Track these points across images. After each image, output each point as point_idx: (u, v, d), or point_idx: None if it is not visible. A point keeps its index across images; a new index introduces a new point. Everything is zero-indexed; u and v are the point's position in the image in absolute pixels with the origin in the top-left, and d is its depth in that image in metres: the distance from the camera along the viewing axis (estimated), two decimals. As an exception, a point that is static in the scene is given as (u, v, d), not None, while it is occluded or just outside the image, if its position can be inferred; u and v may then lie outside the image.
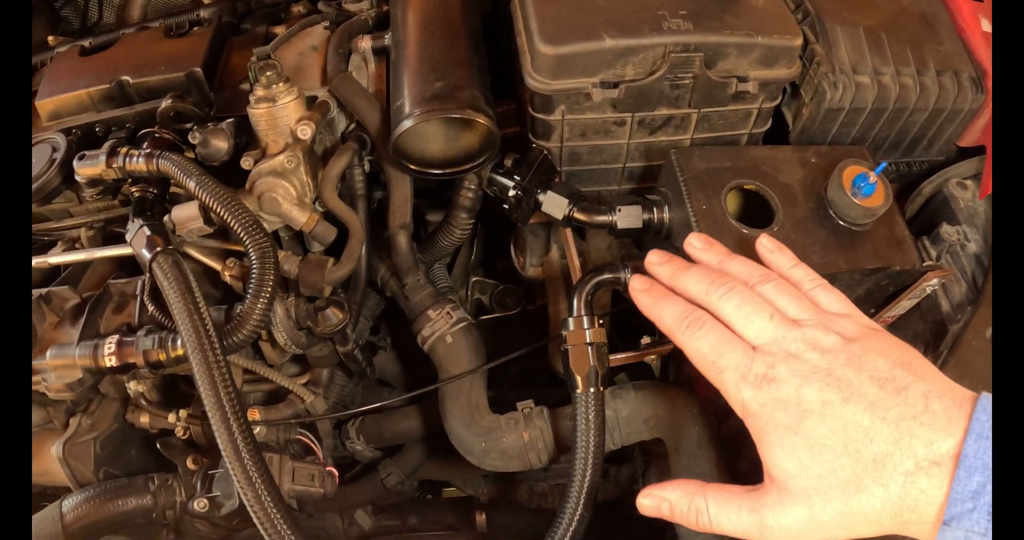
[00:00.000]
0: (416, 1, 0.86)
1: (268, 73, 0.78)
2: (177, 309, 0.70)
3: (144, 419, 0.83)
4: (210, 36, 0.91)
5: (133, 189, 0.83)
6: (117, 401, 0.85)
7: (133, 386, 0.78)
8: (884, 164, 0.73)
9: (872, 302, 0.82)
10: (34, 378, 0.81)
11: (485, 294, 1.04)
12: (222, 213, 0.74)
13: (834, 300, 0.56)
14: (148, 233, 0.75)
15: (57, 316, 0.84)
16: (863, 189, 0.75)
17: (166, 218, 0.81)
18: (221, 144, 0.78)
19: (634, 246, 0.90)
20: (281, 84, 0.78)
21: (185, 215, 0.80)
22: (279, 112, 0.78)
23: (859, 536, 0.48)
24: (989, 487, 0.41)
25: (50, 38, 1.23)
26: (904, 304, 0.81)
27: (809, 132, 0.84)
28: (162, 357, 0.74)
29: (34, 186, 0.85)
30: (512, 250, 0.91)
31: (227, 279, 0.77)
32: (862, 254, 0.76)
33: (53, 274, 0.94)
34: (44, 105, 0.96)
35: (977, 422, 0.43)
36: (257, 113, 0.78)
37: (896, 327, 0.86)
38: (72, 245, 0.93)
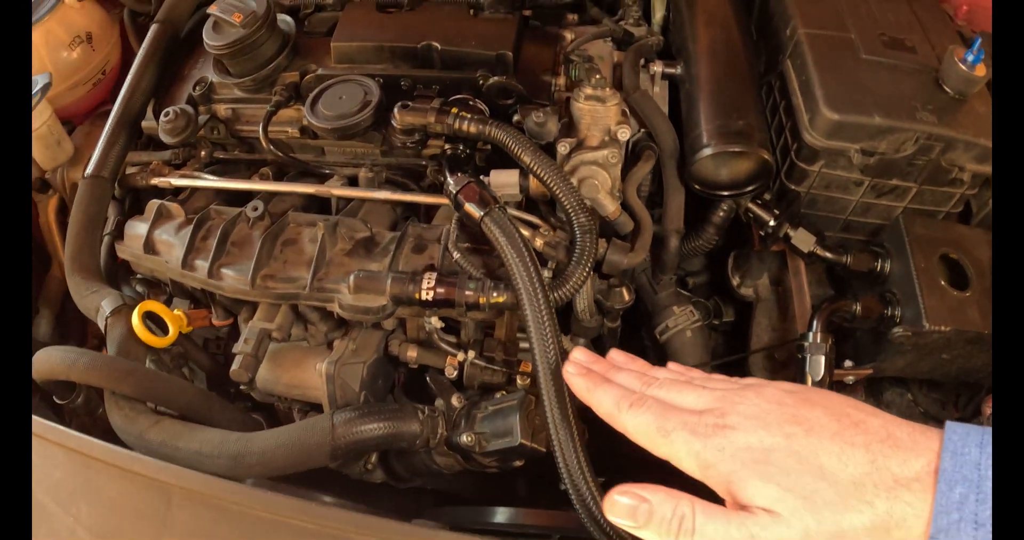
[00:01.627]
0: (708, 40, 0.96)
1: (597, 76, 0.86)
2: (514, 261, 0.75)
3: (411, 353, 0.87)
4: (517, 24, 0.97)
5: (447, 146, 0.88)
6: (381, 332, 0.89)
7: (434, 322, 0.82)
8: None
9: None
10: (322, 295, 0.83)
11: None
12: (554, 188, 0.80)
13: (756, 379, 0.56)
14: (479, 189, 0.81)
15: (347, 244, 0.87)
16: (1034, 276, 0.91)
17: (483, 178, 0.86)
18: (553, 127, 0.84)
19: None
20: (608, 89, 0.86)
21: (504, 181, 0.86)
22: (604, 111, 0.85)
23: None
24: (971, 497, 0.41)
25: None
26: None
27: (989, 221, 1.01)
28: (482, 300, 0.79)
29: (342, 123, 0.88)
30: (729, 269, 1.01)
31: (538, 245, 0.83)
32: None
33: (319, 203, 0.96)
34: (340, 47, 0.98)
35: (950, 442, 0.43)
36: (585, 108, 0.85)
37: None
38: (347, 182, 0.96)
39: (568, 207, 0.80)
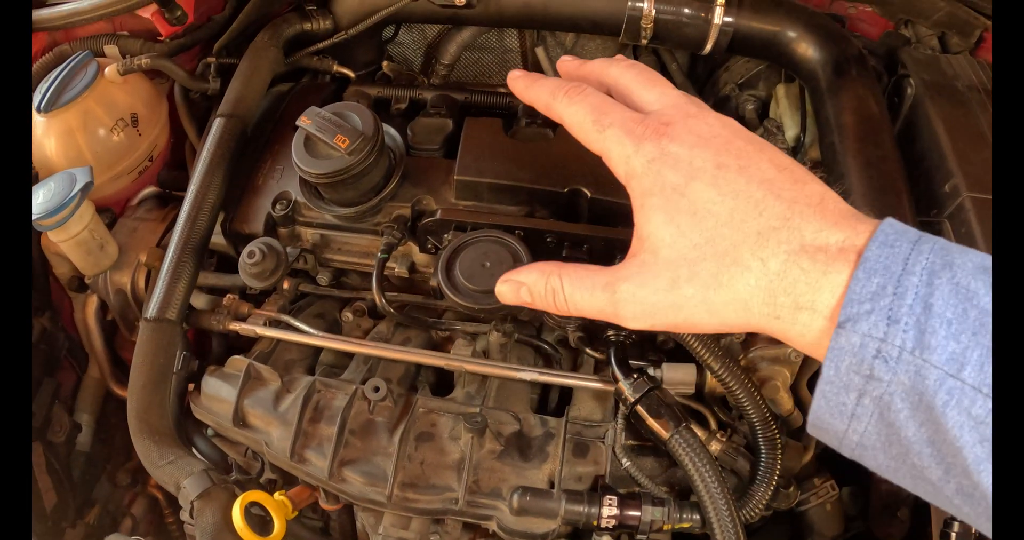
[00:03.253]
0: (879, 209, 0.79)
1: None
2: (704, 485, 0.62)
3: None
4: (671, 169, 0.80)
5: (611, 332, 0.72)
6: (525, 530, 0.74)
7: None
8: None
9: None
10: (476, 512, 0.68)
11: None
12: (744, 400, 0.66)
13: None
14: (664, 402, 0.66)
15: (497, 443, 0.71)
16: None
17: (652, 372, 0.71)
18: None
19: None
20: (794, 271, 0.72)
21: (680, 378, 0.71)
22: (788, 298, 0.72)
23: (720, 324, 0.40)
24: (888, 290, 0.35)
25: (385, 64, 1.00)
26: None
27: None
28: (666, 527, 0.65)
29: (492, 305, 0.68)
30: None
31: (714, 449, 0.69)
32: None
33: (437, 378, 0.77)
34: (466, 183, 0.78)
35: (883, 233, 0.37)
36: (769, 294, 0.71)
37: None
38: (473, 343, 0.77)
39: (758, 423, 0.67)
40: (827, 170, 0.87)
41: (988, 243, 0.79)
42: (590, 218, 0.78)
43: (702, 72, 1.13)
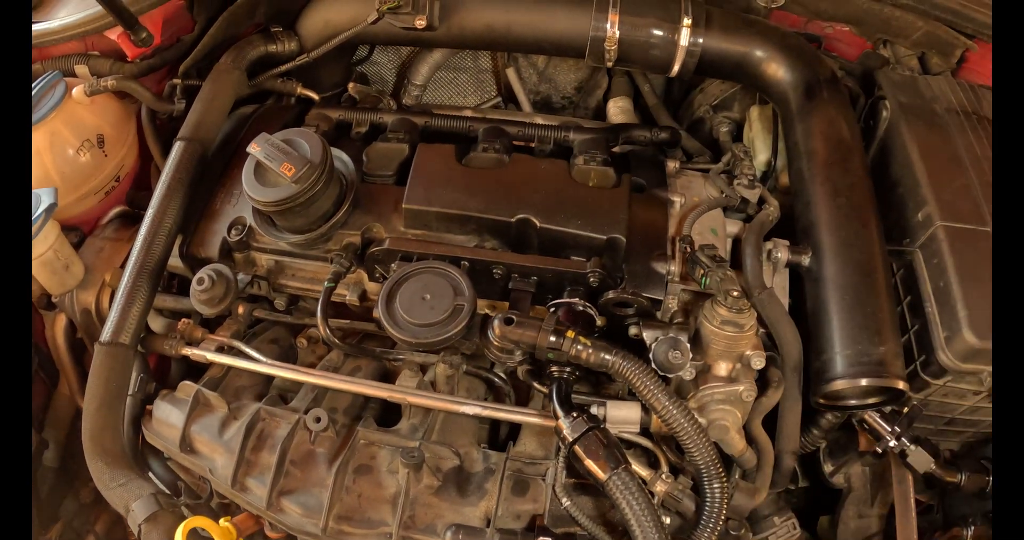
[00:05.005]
0: (841, 234, 0.76)
1: (735, 293, 0.67)
2: (641, 530, 0.58)
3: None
4: (627, 197, 0.76)
5: (554, 368, 0.68)
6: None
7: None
8: None
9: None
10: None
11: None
12: (687, 442, 0.62)
13: None
14: (604, 443, 0.62)
15: (434, 479, 0.68)
16: None
17: (595, 410, 0.68)
18: (687, 361, 0.66)
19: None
20: (747, 311, 0.67)
21: (624, 417, 0.67)
22: (740, 339, 0.67)
23: None
24: None
25: (350, 86, 0.98)
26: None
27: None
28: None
29: (429, 339, 0.66)
30: (821, 457, 0.88)
31: (658, 490, 0.65)
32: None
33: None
34: (414, 212, 0.75)
35: None
36: (720, 334, 0.66)
37: None
38: (421, 372, 0.75)
39: (702, 465, 0.63)
40: (795, 197, 0.82)
41: (960, 275, 0.74)
42: (540, 247, 0.75)
43: (678, 93, 1.09)
